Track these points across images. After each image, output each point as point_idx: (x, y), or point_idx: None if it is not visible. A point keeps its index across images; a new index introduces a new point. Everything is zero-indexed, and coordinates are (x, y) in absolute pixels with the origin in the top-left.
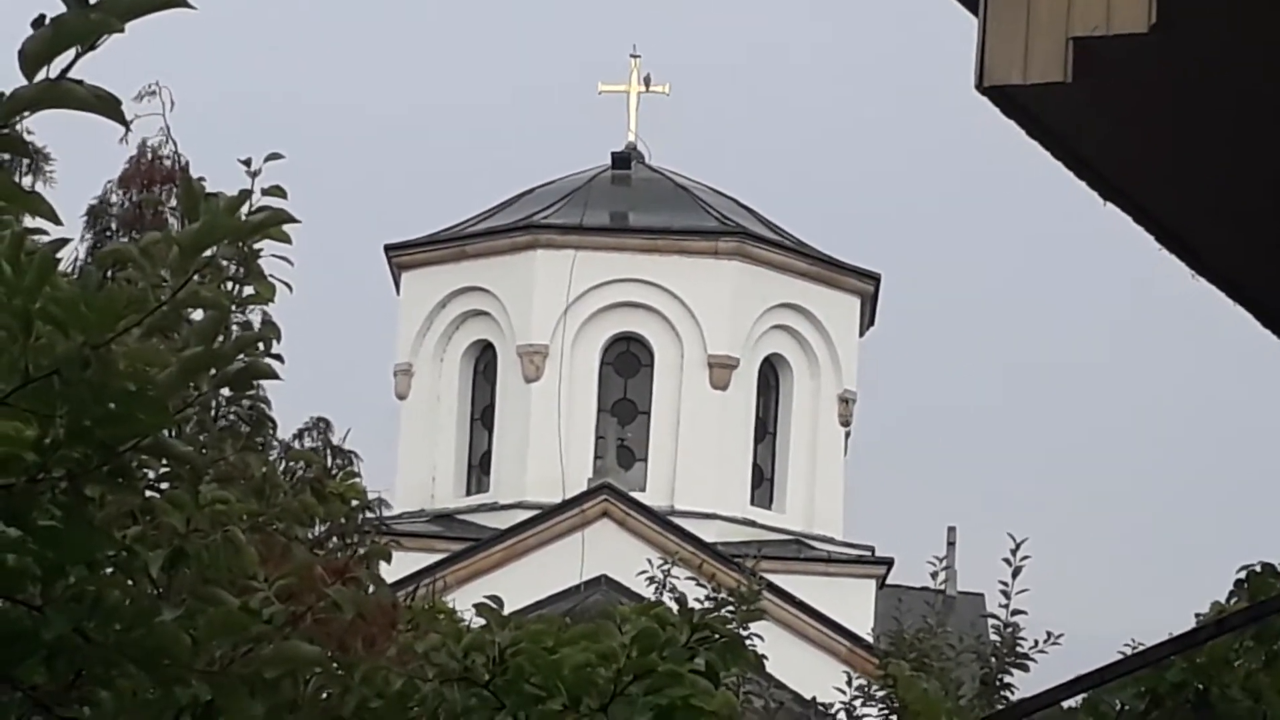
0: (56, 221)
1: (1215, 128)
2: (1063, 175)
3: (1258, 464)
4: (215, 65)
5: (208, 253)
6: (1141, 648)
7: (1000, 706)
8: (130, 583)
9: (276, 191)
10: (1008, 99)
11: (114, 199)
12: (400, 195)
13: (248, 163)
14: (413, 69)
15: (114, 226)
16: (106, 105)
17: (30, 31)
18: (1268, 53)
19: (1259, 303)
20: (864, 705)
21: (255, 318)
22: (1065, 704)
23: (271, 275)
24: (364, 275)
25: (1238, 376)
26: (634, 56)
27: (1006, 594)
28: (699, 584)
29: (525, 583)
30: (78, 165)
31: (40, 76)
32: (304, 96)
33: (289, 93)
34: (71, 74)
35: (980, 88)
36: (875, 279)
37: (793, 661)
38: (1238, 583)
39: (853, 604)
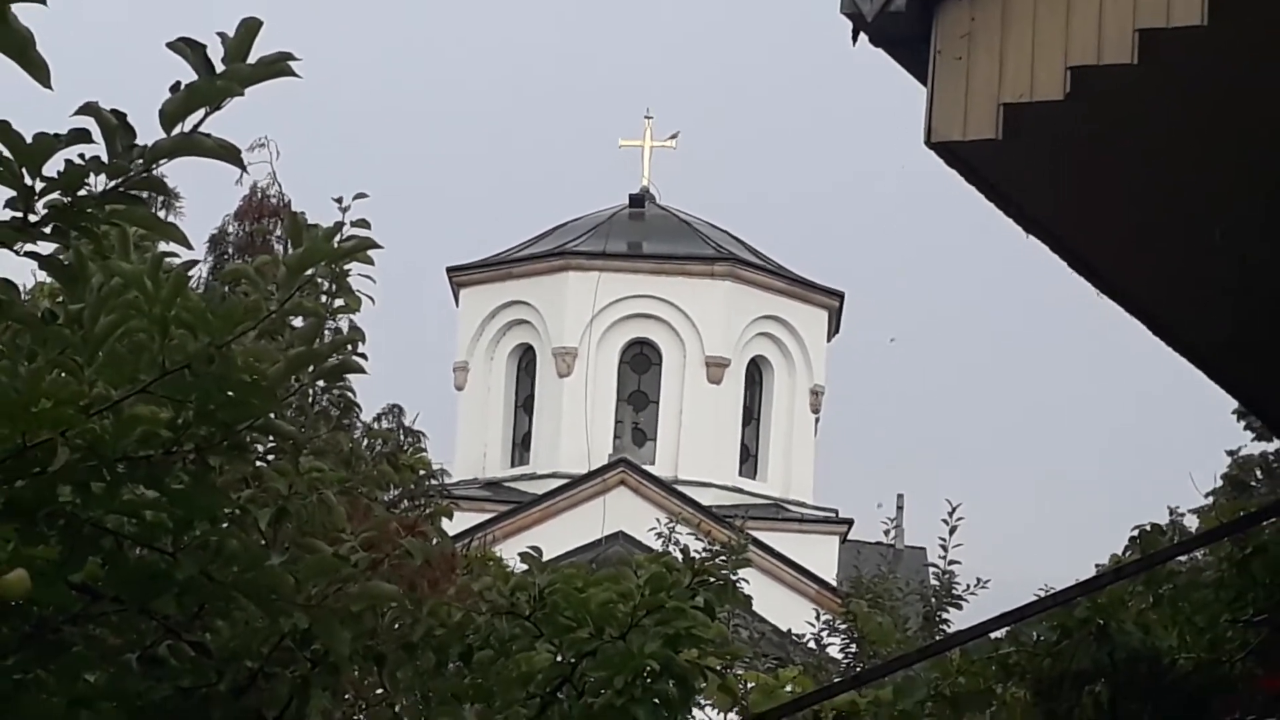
0: (187, 246)
1: (1121, 177)
2: (994, 213)
3: (1152, 441)
4: (313, 122)
5: (308, 272)
6: (1054, 590)
7: (939, 637)
8: (244, 535)
9: (362, 223)
10: (950, 153)
11: (231, 230)
12: (460, 227)
13: (339, 200)
14: (470, 127)
15: (231, 252)
16: (229, 153)
17: (168, 94)
18: (1163, 122)
19: (1148, 311)
20: (829, 635)
21: (344, 324)
22: (992, 635)
23: (358, 290)
24: (430, 292)
25: (1137, 378)
26: (648, 117)
27: (945, 548)
28: (698, 539)
29: (558, 538)
30: (202, 203)
31: (176, 130)
32: (382, 149)
33: (371, 147)
34: (201, 129)
35: (928, 143)
36: (840, 295)
37: (772, 601)
38: (1131, 539)
39: (820, 556)
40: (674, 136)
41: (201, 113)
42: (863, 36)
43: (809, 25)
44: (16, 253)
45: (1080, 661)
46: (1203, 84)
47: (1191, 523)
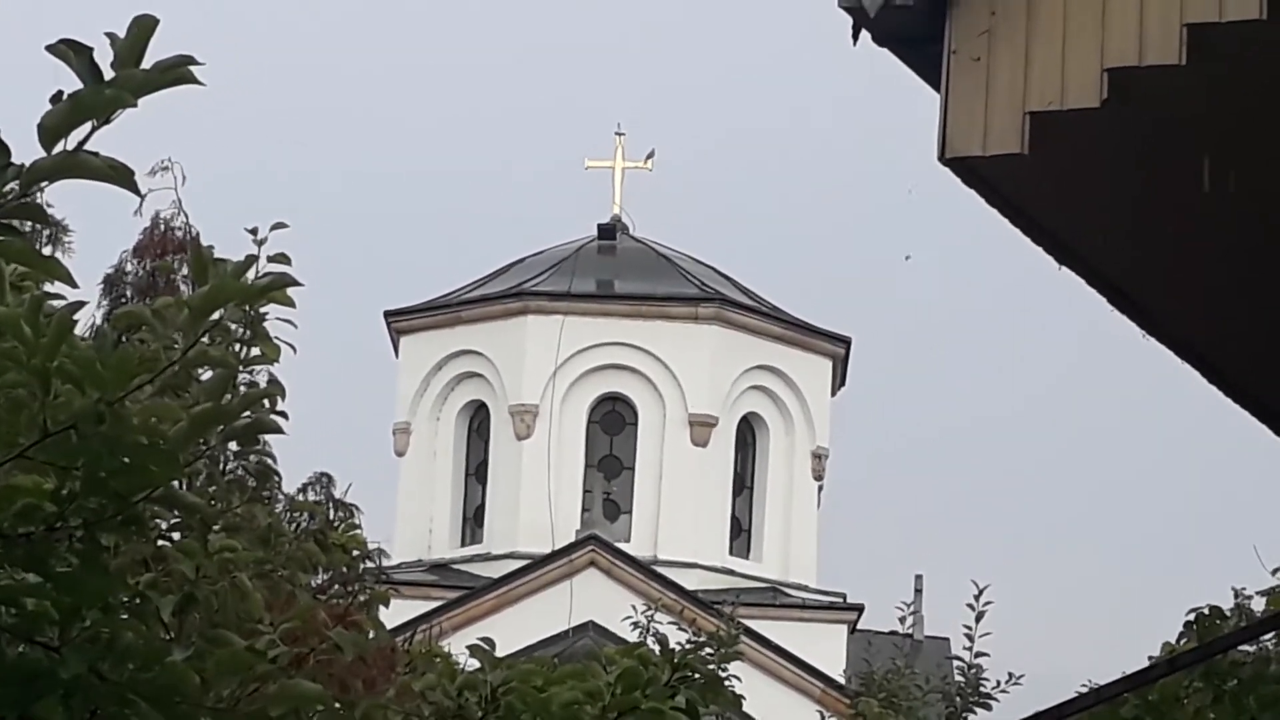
0: (73, 285)
1: (1165, 194)
2: (1020, 241)
3: (1205, 513)
4: (223, 141)
5: (216, 315)
6: (1097, 686)
7: None
8: (143, 626)
9: (281, 258)
10: (968, 169)
11: (129, 268)
12: (398, 264)
13: (254, 231)
14: (409, 143)
15: (129, 294)
16: (120, 175)
17: (48, 106)
18: (1215, 126)
19: (1207, 360)
20: None
21: (261, 379)
22: None
23: (276, 338)
24: (364, 339)
25: (1189, 431)
26: (619, 134)
27: (970, 637)
28: (680, 629)
29: (517, 629)
30: (94, 237)
31: (58, 149)
32: (307, 171)
33: (294, 168)
34: (88, 147)
35: (942, 159)
36: (846, 342)
37: (769, 703)
38: (1187, 624)
39: (825, 648)
40: (649, 156)
41: (88, 127)
42: (864, 34)
43: (807, 24)
44: None
45: None
46: (1260, 86)
47: (1258, 605)
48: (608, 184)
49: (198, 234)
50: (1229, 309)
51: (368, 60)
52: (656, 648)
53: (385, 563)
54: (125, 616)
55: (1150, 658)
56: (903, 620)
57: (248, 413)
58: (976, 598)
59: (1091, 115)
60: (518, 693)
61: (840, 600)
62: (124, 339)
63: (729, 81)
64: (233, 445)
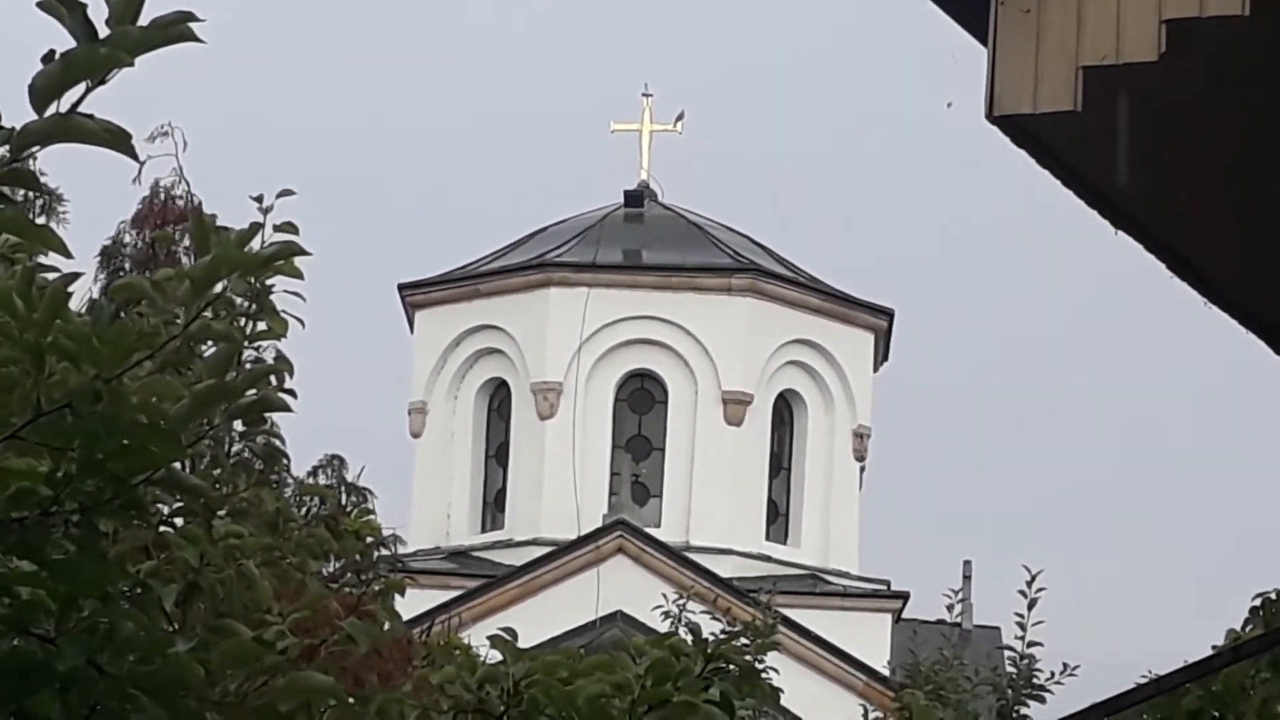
0: (67, 255)
1: (1226, 154)
2: (1075, 204)
3: (1273, 492)
4: (227, 105)
5: (219, 287)
6: (1158, 676)
7: None
8: (144, 616)
9: (288, 227)
10: (1018, 128)
11: (127, 239)
12: (414, 234)
13: (259, 199)
14: (426, 108)
15: (128, 266)
16: (117, 139)
17: (40, 66)
18: (1277, 80)
19: (1271, 329)
20: None
21: (268, 354)
22: None
23: (284, 311)
24: (378, 314)
25: (1256, 406)
26: (646, 95)
27: (1022, 626)
28: (714, 619)
29: (540, 619)
30: (90, 207)
31: (50, 111)
32: (317, 136)
33: (302, 133)
34: (82, 109)
35: (990, 117)
36: (889, 314)
37: (809, 696)
38: (1253, 610)
39: (868, 638)
40: (679, 119)
41: (82, 88)
42: None
43: None
44: None
45: None
46: None
47: None
48: (634, 148)
49: (199, 202)
50: None
51: (383, 22)
52: (689, 638)
53: (401, 550)
54: (125, 606)
55: (1214, 646)
56: (950, 608)
57: (253, 390)
58: (1029, 584)
59: (1149, 70)
60: (542, 686)
61: (884, 588)
62: (122, 313)
63: (761, 39)
64: (238, 425)
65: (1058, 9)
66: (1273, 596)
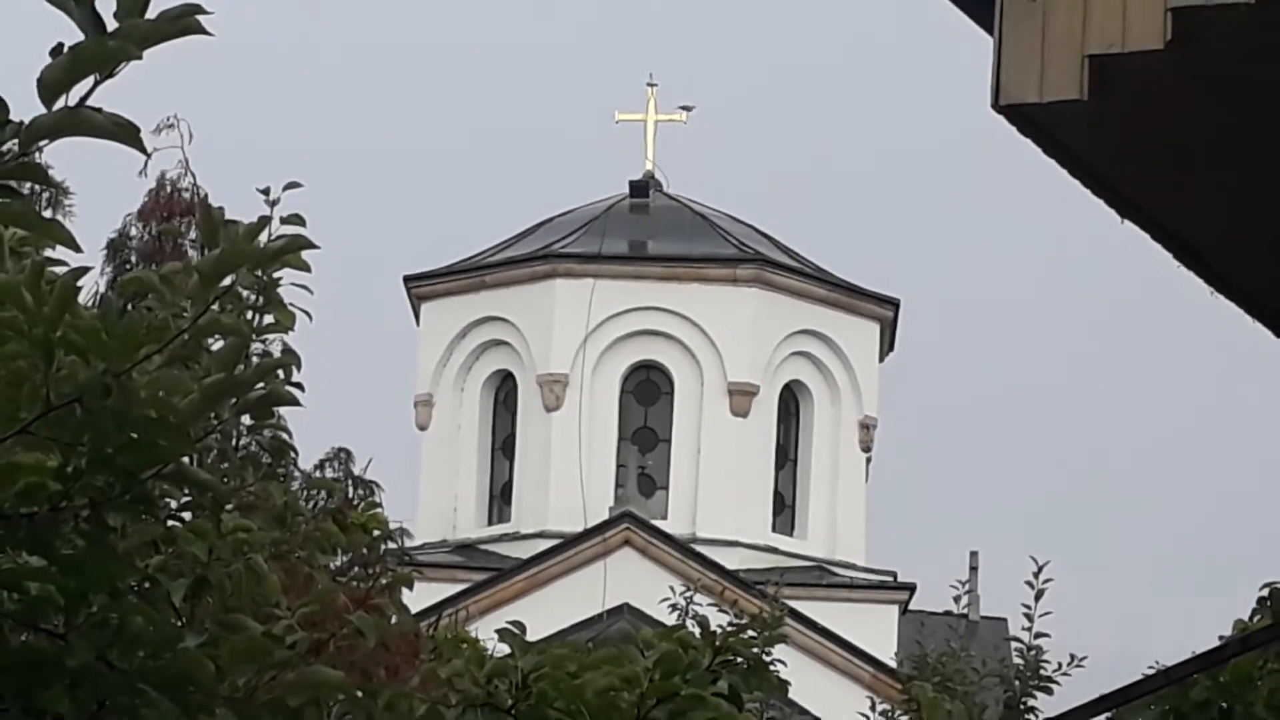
0: (76, 249)
1: (1232, 143)
2: (1081, 193)
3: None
4: (233, 97)
5: (227, 281)
6: (1165, 667)
7: None
8: (153, 611)
9: (295, 219)
10: (1024, 117)
11: (133, 232)
12: (418, 226)
13: (266, 191)
14: (430, 98)
15: (134, 260)
16: (125, 132)
17: (48, 59)
18: None
19: (1277, 319)
20: None
21: (275, 349)
22: None
23: (291, 304)
24: (383, 307)
25: (1263, 396)
26: (651, 85)
27: (1030, 617)
28: (721, 611)
29: (547, 612)
30: (97, 201)
31: (59, 105)
32: (322, 130)
33: (307, 127)
34: (90, 103)
35: (996, 106)
36: (894, 304)
37: (816, 688)
38: (1261, 600)
39: (875, 630)
40: (686, 109)
41: (90, 81)
42: None
43: None
44: None
45: None
46: None
47: None
48: (639, 138)
49: (206, 196)
50: None
51: (389, 12)
52: (696, 630)
53: (408, 543)
54: (134, 601)
55: (1221, 637)
56: (957, 600)
57: (261, 384)
58: (1036, 575)
59: (1155, 58)
60: (550, 679)
61: (890, 579)
62: (130, 307)
63: (766, 28)
64: (246, 419)
65: None
66: None
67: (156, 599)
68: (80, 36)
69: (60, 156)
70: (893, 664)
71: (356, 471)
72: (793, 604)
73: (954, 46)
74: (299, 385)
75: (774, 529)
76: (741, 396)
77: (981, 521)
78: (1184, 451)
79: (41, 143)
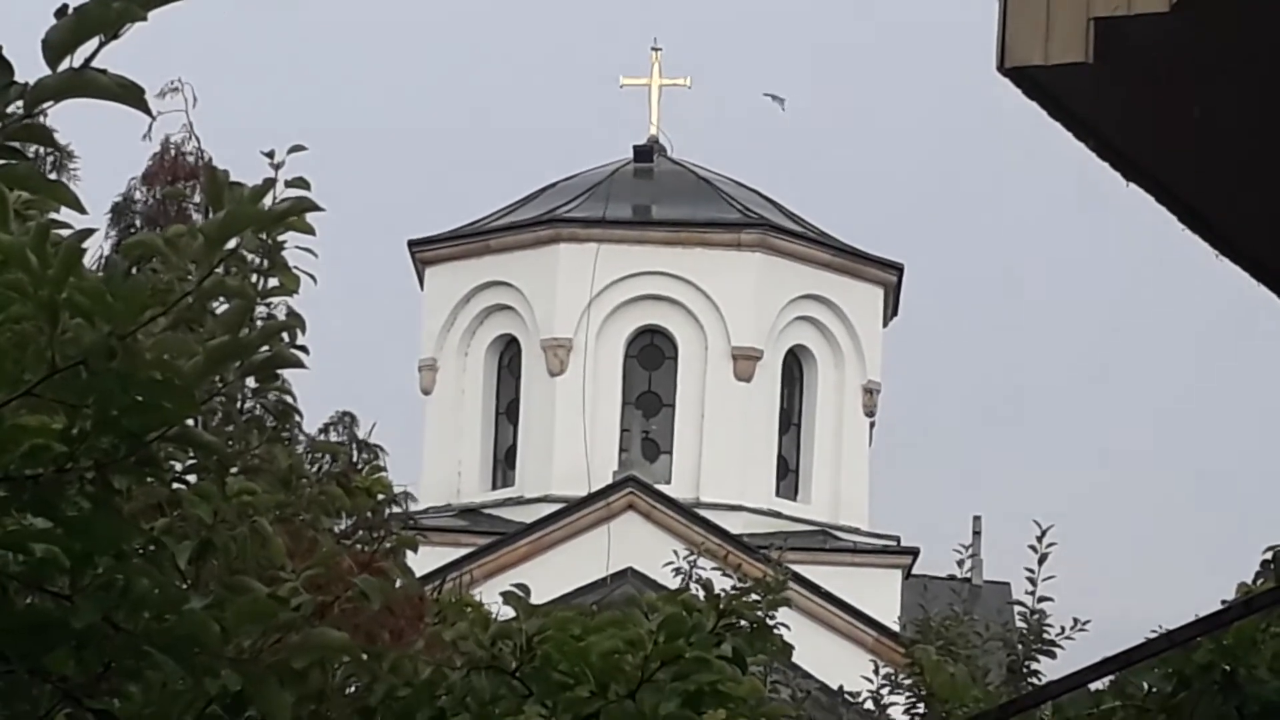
0: (81, 211)
1: (1239, 107)
2: (1086, 157)
3: None
4: (235, 63)
5: (232, 243)
6: (1168, 630)
7: (1026, 691)
8: (158, 573)
9: (300, 183)
10: (1029, 80)
11: (138, 195)
12: (423, 191)
13: (270, 154)
14: (435, 63)
15: (138, 223)
16: (130, 94)
17: (53, 21)
18: None
19: None
20: (890, 693)
21: (280, 311)
22: (1092, 686)
23: (296, 267)
24: (388, 271)
25: (1267, 359)
26: (655, 49)
27: (1033, 581)
28: (725, 575)
29: (551, 576)
30: (102, 164)
31: (64, 67)
32: (326, 93)
33: (311, 89)
34: (95, 64)
35: (1001, 69)
36: (898, 269)
37: (819, 652)
38: (1264, 563)
39: (879, 594)
40: (691, 76)
41: (95, 43)
42: None
43: None
44: None
45: (1203, 718)
46: None
47: None
48: (644, 103)
49: (210, 159)
50: None
51: None
52: (700, 594)
53: (412, 507)
54: (139, 563)
55: (1224, 600)
56: (960, 564)
57: (266, 347)
58: (1039, 539)
59: (1161, 20)
60: (554, 641)
61: (894, 544)
62: (135, 269)
63: None
64: (251, 382)
65: None
66: None
67: (161, 561)
68: None
69: (65, 119)
70: (896, 628)
71: (361, 435)
72: (796, 568)
73: (960, 9)
74: (303, 349)
75: (777, 493)
76: (745, 361)
77: (984, 486)
78: (1188, 414)
79: (46, 105)
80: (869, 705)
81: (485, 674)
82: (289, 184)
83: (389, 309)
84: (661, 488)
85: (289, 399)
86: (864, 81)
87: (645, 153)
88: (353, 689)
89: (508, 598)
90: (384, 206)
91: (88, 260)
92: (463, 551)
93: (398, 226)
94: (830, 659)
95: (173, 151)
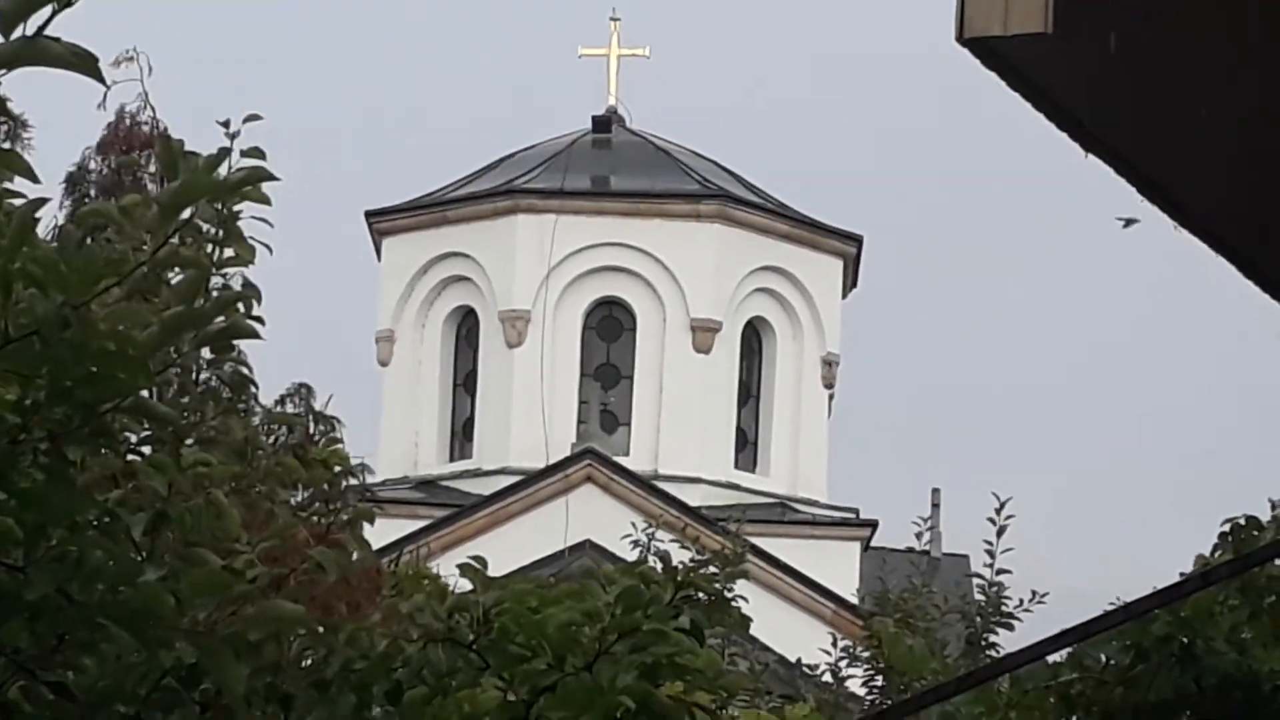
0: (34, 179)
1: (1199, 77)
2: (1045, 128)
3: (1238, 417)
4: (191, 31)
5: (187, 213)
6: (1126, 603)
7: (984, 664)
8: (113, 545)
9: (255, 152)
10: (988, 51)
11: (92, 165)
12: (380, 161)
13: (226, 124)
14: (391, 34)
15: (93, 194)
16: (84, 62)
17: None
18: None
19: (1239, 252)
20: (848, 665)
21: (235, 282)
22: (1050, 659)
23: (251, 238)
24: (345, 242)
25: (1217, 330)
26: (614, 19)
27: (991, 554)
28: (683, 548)
29: (509, 548)
30: (56, 133)
31: (16, 35)
32: (282, 63)
33: (267, 59)
34: (48, 32)
35: (960, 40)
36: (857, 240)
37: (778, 625)
38: (1222, 535)
39: (837, 567)
40: (651, 46)
41: (48, 10)
42: None
43: None
44: None
45: (1160, 690)
46: None
47: None
48: (602, 73)
49: (166, 129)
50: (1266, 201)
51: None
52: (658, 566)
53: (369, 479)
54: (94, 535)
55: (1182, 572)
56: (919, 536)
57: (221, 317)
58: (998, 512)
59: None
60: (511, 614)
61: (853, 516)
62: (89, 239)
63: None
64: (206, 353)
65: None
66: (1241, 522)
67: (116, 533)
68: None
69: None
70: (854, 600)
71: (317, 407)
72: (754, 540)
73: None
74: (259, 319)
75: (736, 465)
76: (704, 333)
77: (943, 458)
78: (1146, 389)
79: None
80: (827, 677)
81: (442, 646)
82: (244, 154)
83: (346, 280)
84: (620, 460)
85: (245, 370)
86: (823, 51)
87: (604, 123)
88: (308, 661)
89: (465, 570)
90: (341, 177)
91: (41, 230)
92: (420, 524)
93: (355, 197)
94: (789, 631)
95: (128, 121)
